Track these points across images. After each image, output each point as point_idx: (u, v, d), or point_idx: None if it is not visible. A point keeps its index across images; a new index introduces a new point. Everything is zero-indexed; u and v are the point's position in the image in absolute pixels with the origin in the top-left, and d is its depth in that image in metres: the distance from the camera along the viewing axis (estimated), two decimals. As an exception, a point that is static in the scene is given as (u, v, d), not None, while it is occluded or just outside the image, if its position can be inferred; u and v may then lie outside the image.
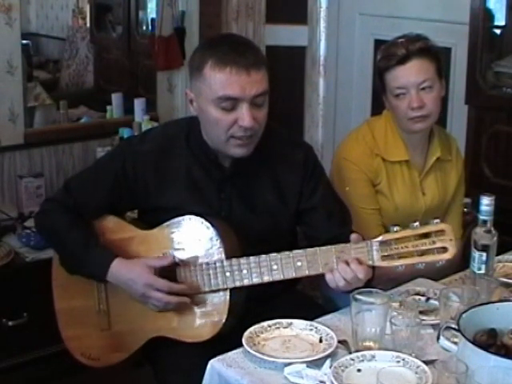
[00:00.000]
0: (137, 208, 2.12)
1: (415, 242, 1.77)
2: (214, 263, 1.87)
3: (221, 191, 2.01)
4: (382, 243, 1.79)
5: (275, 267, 1.83)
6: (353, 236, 1.83)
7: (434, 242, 1.76)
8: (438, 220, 1.78)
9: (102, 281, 1.96)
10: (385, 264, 1.79)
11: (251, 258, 1.85)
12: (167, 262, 1.90)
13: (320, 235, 1.97)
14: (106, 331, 2.01)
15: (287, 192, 2.03)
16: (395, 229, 1.79)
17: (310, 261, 1.82)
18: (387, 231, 1.83)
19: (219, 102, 1.87)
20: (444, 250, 1.76)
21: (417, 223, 1.78)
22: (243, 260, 1.85)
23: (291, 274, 1.83)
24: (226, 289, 1.87)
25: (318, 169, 2.08)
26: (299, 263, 1.83)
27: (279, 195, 2.02)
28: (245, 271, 1.85)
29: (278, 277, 1.84)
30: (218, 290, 1.87)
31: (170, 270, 1.92)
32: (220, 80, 1.85)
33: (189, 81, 2.01)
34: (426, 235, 1.77)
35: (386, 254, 1.78)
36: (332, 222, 2.02)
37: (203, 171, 2.01)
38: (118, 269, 1.91)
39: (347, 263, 1.80)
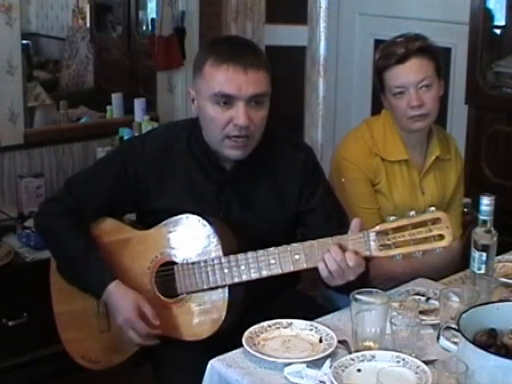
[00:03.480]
0: (136, 210, 2.10)
1: (412, 231, 1.76)
2: (212, 260, 1.86)
3: (220, 194, 2.00)
4: (378, 233, 1.79)
5: (273, 261, 1.83)
6: (354, 221, 1.83)
7: (430, 230, 1.76)
8: (433, 208, 1.78)
9: (97, 297, 1.96)
10: (382, 254, 1.79)
11: (249, 253, 1.84)
12: (152, 316, 1.89)
13: (316, 238, 1.96)
14: (106, 333, 2.01)
15: (287, 194, 2.02)
16: (391, 218, 1.79)
17: (307, 254, 1.82)
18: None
19: (215, 98, 1.87)
20: (441, 237, 1.76)
21: (413, 212, 1.77)
22: (241, 256, 1.84)
23: (289, 267, 1.83)
24: (224, 286, 1.86)
25: (317, 171, 2.08)
26: (297, 256, 1.82)
27: (279, 198, 2.02)
28: (243, 267, 1.84)
29: (276, 271, 1.84)
30: (216, 288, 1.87)
31: (167, 270, 1.92)
32: (217, 77, 1.86)
33: (191, 80, 2.02)
34: (422, 224, 1.76)
35: (383, 243, 1.78)
36: (329, 225, 2.00)
37: (203, 174, 2.00)
38: (114, 291, 1.91)
39: (342, 249, 1.79)
